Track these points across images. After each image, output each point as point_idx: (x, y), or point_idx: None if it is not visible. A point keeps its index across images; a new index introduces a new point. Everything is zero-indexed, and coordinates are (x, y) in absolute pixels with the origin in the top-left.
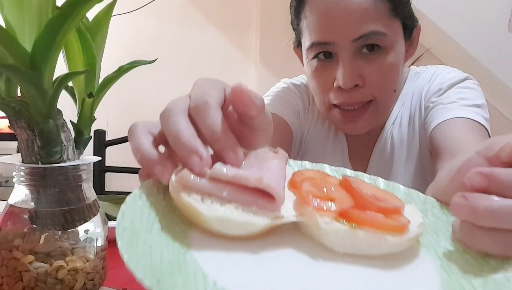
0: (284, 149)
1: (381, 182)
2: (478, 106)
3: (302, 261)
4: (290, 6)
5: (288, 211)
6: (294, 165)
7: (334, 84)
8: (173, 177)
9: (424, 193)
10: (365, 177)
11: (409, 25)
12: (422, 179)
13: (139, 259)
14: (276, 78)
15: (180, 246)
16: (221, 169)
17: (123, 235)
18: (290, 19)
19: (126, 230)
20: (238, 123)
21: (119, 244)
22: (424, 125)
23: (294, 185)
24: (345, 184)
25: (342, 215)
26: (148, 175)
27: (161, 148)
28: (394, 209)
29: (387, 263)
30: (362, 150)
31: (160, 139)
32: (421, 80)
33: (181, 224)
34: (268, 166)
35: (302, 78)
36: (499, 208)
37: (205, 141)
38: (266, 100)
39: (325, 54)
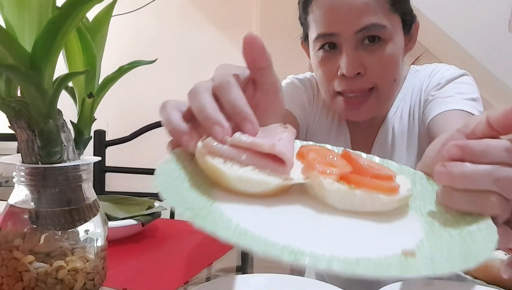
0: None
1: (376, 159)
2: (473, 100)
3: (308, 214)
4: (299, 2)
5: (296, 176)
6: (300, 143)
7: (338, 73)
8: (199, 144)
9: None
10: (362, 154)
11: (408, 21)
12: None
13: (176, 201)
14: None
15: (207, 199)
16: (240, 137)
17: (160, 186)
18: (291, 20)
19: (162, 183)
20: (252, 92)
21: (160, 191)
22: (423, 117)
23: (301, 155)
24: (345, 155)
25: (342, 178)
26: (177, 144)
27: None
28: (386, 176)
29: (379, 218)
30: (364, 140)
31: (187, 114)
32: (421, 76)
33: (206, 185)
34: (280, 137)
35: (306, 74)
36: (471, 172)
37: (227, 116)
38: None
39: (330, 45)
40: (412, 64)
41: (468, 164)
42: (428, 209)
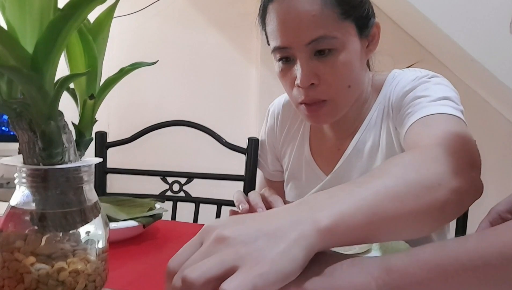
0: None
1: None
2: (441, 99)
3: None
4: (258, 14)
5: None
6: None
7: (295, 83)
8: None
9: None
10: None
11: (364, 25)
12: None
13: None
14: (277, 80)
15: None
16: None
17: None
18: None
19: None
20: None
21: None
22: (398, 131)
23: None
24: None
25: None
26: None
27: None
28: None
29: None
30: (333, 149)
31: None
32: (394, 84)
33: None
34: None
35: (272, 103)
36: None
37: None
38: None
39: (286, 58)
40: (411, 66)
41: None
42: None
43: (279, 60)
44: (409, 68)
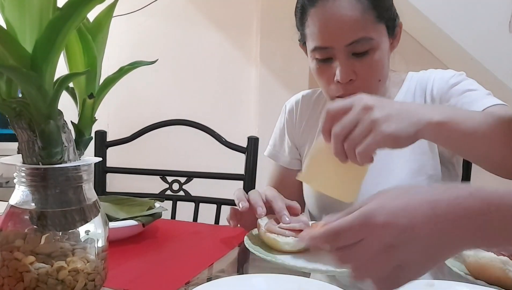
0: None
1: None
2: (489, 94)
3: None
4: (295, 14)
5: None
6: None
7: (334, 79)
8: (262, 228)
9: None
10: None
11: (392, 26)
12: (421, 174)
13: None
14: (276, 79)
15: (272, 255)
16: (284, 221)
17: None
18: (291, 21)
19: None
20: None
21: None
22: None
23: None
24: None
25: None
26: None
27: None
28: None
29: None
30: None
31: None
32: (416, 79)
33: (268, 250)
34: (300, 220)
35: (288, 101)
36: None
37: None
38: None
39: (325, 58)
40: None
41: None
42: None
43: (317, 59)
44: (430, 70)
